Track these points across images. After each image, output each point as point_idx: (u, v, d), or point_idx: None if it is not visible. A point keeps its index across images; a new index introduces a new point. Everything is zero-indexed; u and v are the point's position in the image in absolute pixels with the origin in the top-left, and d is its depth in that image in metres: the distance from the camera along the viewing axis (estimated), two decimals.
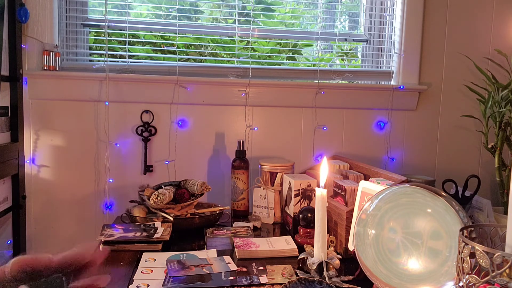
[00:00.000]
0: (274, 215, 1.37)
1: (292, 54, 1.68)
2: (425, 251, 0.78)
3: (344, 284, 0.87)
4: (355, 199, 1.04)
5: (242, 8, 1.60)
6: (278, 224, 1.36)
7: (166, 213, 1.25)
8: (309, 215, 1.12)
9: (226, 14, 1.60)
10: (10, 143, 1.31)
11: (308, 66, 1.64)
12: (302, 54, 1.73)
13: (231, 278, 0.90)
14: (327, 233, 0.95)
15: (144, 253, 1.04)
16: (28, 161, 1.42)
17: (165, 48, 1.57)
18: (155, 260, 1.00)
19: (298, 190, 1.25)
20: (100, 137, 1.46)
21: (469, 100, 1.61)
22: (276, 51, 1.70)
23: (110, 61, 1.45)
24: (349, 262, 0.99)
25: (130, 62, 1.49)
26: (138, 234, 1.11)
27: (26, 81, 1.39)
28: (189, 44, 1.56)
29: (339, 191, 1.17)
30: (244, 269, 0.95)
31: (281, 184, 1.37)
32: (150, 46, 1.63)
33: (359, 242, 0.86)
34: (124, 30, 1.49)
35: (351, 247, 1.00)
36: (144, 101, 1.47)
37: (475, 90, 1.44)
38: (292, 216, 1.25)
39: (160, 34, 1.61)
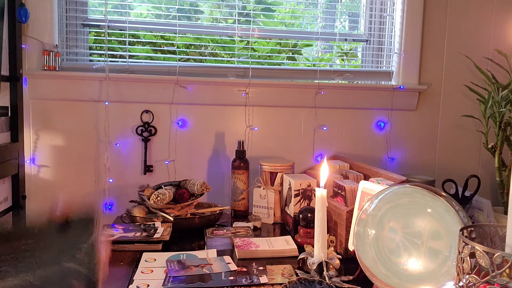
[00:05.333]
0: (274, 215, 1.37)
1: (292, 54, 1.68)
2: (425, 251, 0.78)
3: (344, 284, 0.87)
4: (355, 199, 1.04)
5: (242, 8, 1.60)
6: (278, 224, 1.36)
7: (166, 213, 1.25)
8: (309, 215, 1.12)
9: (226, 14, 1.60)
10: (10, 143, 1.31)
11: (308, 66, 1.64)
12: (302, 54, 1.73)
13: (231, 278, 0.90)
14: (327, 233, 0.95)
15: (144, 253, 1.04)
16: (28, 161, 1.42)
17: (165, 48, 1.57)
18: (155, 260, 1.00)
19: (298, 190, 1.25)
20: (100, 137, 1.46)
21: (469, 100, 1.61)
22: (276, 51, 1.70)
23: (110, 61, 1.45)
24: (349, 262, 0.99)
25: (130, 62, 1.49)
26: (138, 234, 1.11)
27: (26, 81, 1.39)
28: (189, 44, 1.56)
29: (339, 191, 1.17)
30: (244, 269, 0.95)
31: (281, 184, 1.37)
32: (150, 46, 1.63)
33: (359, 242, 0.86)
34: (124, 30, 1.49)
35: (351, 247, 1.00)
36: (144, 101, 1.47)
37: (475, 90, 1.43)
38: (292, 216, 1.25)
39: (160, 34, 1.61)
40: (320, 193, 0.89)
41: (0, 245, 0.40)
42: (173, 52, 1.52)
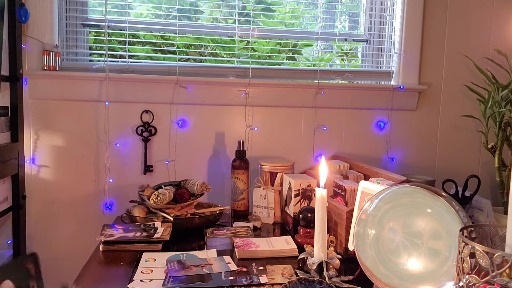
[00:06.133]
0: (274, 215, 1.37)
1: (292, 54, 1.68)
2: (425, 251, 0.78)
3: (344, 284, 0.87)
4: (355, 199, 1.04)
5: (242, 8, 1.60)
6: (278, 224, 1.36)
7: (166, 213, 1.25)
8: (309, 215, 1.12)
9: (226, 14, 1.60)
10: (10, 143, 1.31)
11: (308, 66, 1.64)
12: (302, 54, 1.73)
13: (231, 278, 0.90)
14: (327, 233, 0.95)
15: (144, 253, 1.04)
16: (28, 161, 1.42)
17: (165, 48, 1.57)
18: (155, 260, 1.00)
19: (298, 190, 1.25)
20: (100, 137, 1.46)
21: (469, 100, 1.61)
22: (276, 51, 1.70)
23: (110, 61, 1.45)
24: (349, 262, 0.99)
25: (130, 62, 1.49)
26: (138, 234, 1.11)
27: (26, 81, 1.39)
28: (189, 44, 1.56)
29: (339, 191, 1.17)
30: (244, 269, 0.95)
31: (281, 184, 1.37)
32: (150, 46, 1.63)
33: (359, 242, 0.86)
34: (124, 30, 1.49)
35: (351, 247, 1.00)
36: (144, 101, 1.47)
37: (475, 90, 1.44)
38: (292, 216, 1.25)
39: (160, 34, 1.61)
40: (320, 193, 0.89)
41: None
42: (173, 52, 1.52)
